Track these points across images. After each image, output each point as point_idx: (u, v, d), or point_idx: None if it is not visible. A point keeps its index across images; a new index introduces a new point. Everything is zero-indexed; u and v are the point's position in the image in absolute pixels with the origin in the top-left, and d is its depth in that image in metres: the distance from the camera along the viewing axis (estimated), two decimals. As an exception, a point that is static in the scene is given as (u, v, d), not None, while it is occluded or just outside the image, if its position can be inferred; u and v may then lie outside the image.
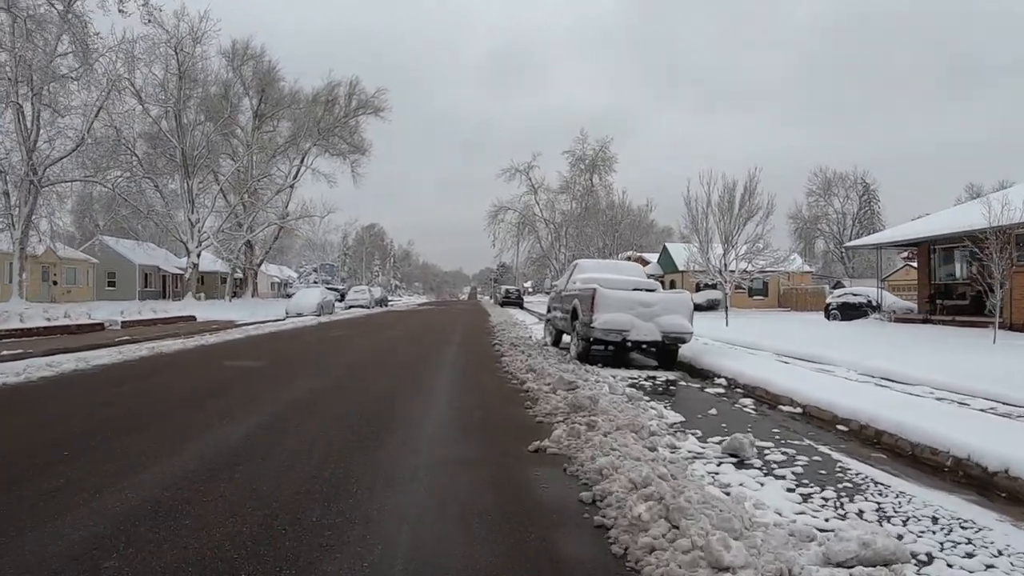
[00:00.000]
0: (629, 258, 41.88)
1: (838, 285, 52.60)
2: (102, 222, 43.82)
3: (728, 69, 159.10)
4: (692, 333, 10.58)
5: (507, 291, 52.87)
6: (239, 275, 48.34)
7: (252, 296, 45.15)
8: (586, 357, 10.76)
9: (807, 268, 50.71)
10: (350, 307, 39.09)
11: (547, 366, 9.12)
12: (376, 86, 50.96)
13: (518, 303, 48.74)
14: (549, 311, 14.44)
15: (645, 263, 42.55)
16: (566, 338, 14.07)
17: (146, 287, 45.17)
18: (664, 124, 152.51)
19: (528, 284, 78.53)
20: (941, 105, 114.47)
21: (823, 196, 64.30)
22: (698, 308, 16.85)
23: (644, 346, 10.40)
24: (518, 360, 10.26)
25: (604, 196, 50.68)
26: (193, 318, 24.17)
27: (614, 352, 11.54)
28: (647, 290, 11.65)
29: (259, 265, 47.82)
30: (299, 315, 27.34)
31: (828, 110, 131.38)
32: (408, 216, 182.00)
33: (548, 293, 78.25)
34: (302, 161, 44.57)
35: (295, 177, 44.28)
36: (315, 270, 77.78)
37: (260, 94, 44.40)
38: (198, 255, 35.99)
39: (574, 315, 11.33)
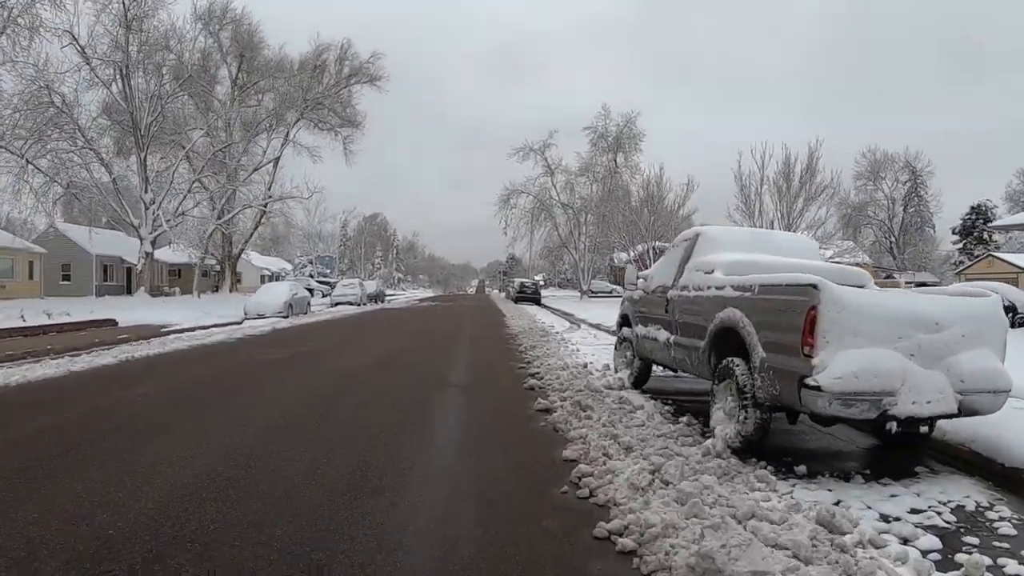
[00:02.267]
0: (654, 249, 35.38)
1: (889, 278, 46.67)
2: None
3: (737, 63, 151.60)
4: (1011, 391, 4.44)
5: (522, 285, 45.44)
6: (219, 268, 42.45)
7: (231, 291, 39.06)
8: (754, 446, 4.63)
9: (868, 260, 44.49)
10: (336, 304, 32.76)
11: (738, 541, 2.94)
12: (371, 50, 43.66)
13: (535, 299, 41.48)
14: (628, 324, 8.06)
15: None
16: (658, 370, 7.98)
17: (106, 280, 39.16)
18: (672, 120, 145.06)
19: (539, 277, 71.81)
20: (957, 91, 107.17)
21: (871, 180, 57.37)
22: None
23: (924, 429, 4.22)
24: (616, 470, 4.10)
25: (630, 178, 44.31)
26: (113, 322, 18.14)
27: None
28: (856, 286, 5.46)
29: (238, 255, 41.74)
30: (260, 316, 21.21)
31: (843, 102, 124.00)
32: (415, 213, 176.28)
33: (560, 286, 72.03)
34: (286, 136, 38.48)
35: (280, 148, 38.19)
36: (311, 262, 71.56)
37: (239, 60, 38.35)
38: (152, 243, 29.93)
39: (721, 346, 5.18)
